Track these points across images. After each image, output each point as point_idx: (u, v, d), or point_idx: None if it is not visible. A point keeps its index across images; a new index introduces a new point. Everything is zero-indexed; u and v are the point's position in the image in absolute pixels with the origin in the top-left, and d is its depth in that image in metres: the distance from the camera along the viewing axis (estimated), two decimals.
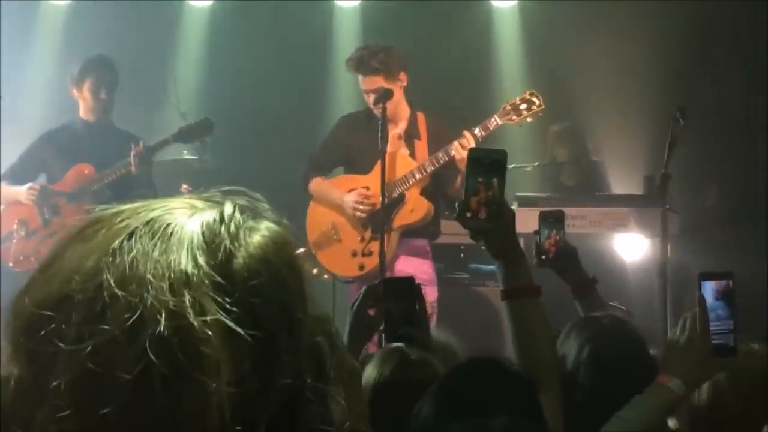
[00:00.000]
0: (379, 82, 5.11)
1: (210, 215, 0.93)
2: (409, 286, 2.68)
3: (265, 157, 6.80)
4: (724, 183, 6.10)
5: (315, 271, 5.37)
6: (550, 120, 6.60)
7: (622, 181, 6.58)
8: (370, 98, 5.16)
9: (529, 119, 5.06)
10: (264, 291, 0.90)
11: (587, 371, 2.38)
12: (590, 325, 2.55)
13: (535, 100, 5.03)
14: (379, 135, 4.90)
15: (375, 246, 5.10)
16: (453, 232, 5.55)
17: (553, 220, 3.04)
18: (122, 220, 0.91)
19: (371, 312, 2.66)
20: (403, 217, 5.15)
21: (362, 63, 5.15)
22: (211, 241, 0.90)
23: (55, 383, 0.82)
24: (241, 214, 0.95)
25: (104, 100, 5.63)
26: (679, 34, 6.79)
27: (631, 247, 5.97)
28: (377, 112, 5.04)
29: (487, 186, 2.20)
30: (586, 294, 3.01)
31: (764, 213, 5.74)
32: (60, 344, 0.83)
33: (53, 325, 0.84)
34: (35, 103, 7.04)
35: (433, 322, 4.58)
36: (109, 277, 0.85)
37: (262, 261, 0.91)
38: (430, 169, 5.07)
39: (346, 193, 5.25)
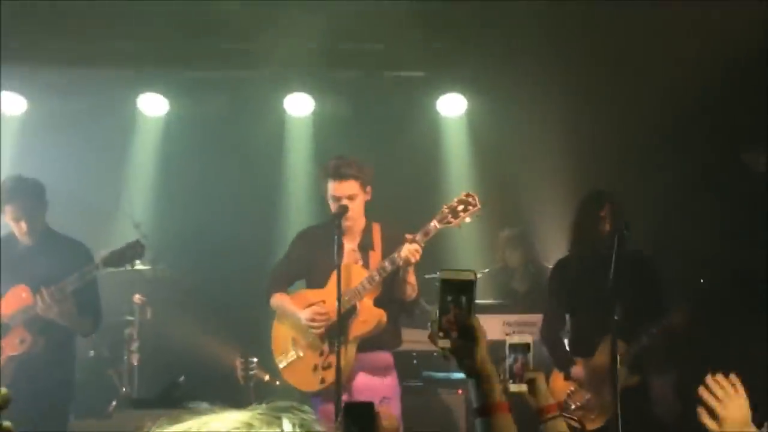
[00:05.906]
0: (354, 188, 5.24)
1: None
2: (368, 411, 2.71)
3: (218, 267, 6.80)
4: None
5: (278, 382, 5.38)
6: (498, 225, 6.75)
7: None
8: (337, 205, 5.24)
9: (467, 219, 5.12)
10: None
11: None
12: None
13: (471, 200, 5.11)
14: (335, 250, 4.95)
15: (334, 358, 5.09)
16: (406, 340, 5.64)
17: (520, 348, 3.20)
18: None
19: None
20: (357, 328, 5.20)
21: (339, 169, 5.25)
22: None
23: None
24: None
25: (27, 231, 5.30)
26: (617, 142, 7.01)
27: None
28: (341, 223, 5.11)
29: (457, 306, 2.27)
30: (551, 418, 3.09)
31: None
32: None
33: None
34: None
35: None
36: None
37: None
38: (377, 279, 5.16)
39: (302, 309, 5.31)
